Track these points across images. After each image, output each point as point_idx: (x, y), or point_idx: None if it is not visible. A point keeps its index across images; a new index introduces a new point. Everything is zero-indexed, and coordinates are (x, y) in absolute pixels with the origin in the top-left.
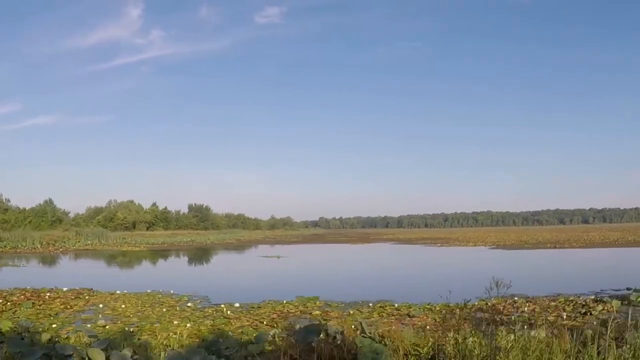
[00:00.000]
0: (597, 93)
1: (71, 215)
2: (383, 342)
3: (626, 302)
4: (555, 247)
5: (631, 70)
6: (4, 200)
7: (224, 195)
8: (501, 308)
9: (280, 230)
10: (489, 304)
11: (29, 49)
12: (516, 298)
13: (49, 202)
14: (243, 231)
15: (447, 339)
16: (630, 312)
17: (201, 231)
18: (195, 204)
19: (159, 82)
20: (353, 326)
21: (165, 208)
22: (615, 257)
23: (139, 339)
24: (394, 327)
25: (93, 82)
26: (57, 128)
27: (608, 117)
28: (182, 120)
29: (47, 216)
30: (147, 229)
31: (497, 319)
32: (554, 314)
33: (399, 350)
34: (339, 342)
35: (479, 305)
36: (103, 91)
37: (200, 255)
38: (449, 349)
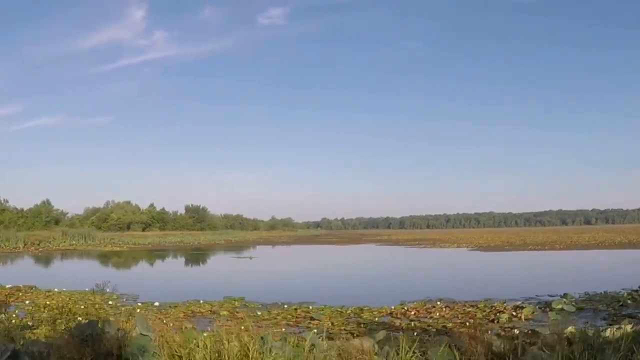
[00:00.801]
0: (597, 92)
1: (69, 215)
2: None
3: (548, 309)
4: (536, 249)
5: (632, 69)
6: (2, 202)
7: (224, 196)
8: (413, 313)
9: (278, 231)
10: (405, 308)
11: (31, 50)
12: (438, 303)
13: (46, 203)
14: (239, 232)
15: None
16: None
17: (196, 232)
18: (192, 205)
19: (161, 83)
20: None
21: (163, 209)
22: (585, 259)
23: (22, 331)
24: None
25: (95, 84)
26: (58, 129)
27: (609, 116)
28: (182, 120)
29: (41, 217)
30: (143, 229)
31: (398, 324)
32: (460, 321)
33: (164, 349)
34: (114, 337)
35: (393, 310)
36: (105, 92)
37: (175, 255)
38: (199, 354)
